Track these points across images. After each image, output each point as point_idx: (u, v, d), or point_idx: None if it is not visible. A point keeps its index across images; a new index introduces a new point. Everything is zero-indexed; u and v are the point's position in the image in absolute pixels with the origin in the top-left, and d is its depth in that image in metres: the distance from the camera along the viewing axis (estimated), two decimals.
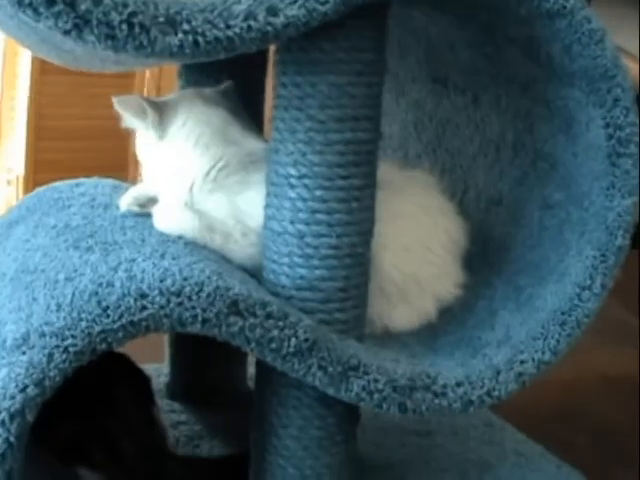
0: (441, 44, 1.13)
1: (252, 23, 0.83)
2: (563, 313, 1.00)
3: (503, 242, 1.11)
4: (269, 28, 0.83)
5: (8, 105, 2.68)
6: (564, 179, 1.04)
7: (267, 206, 0.96)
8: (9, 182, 2.72)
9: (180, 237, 0.99)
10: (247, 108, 1.12)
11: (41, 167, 2.47)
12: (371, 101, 0.94)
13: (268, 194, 0.96)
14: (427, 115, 1.23)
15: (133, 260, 0.90)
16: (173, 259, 0.90)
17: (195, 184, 1.02)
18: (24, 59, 2.62)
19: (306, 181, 0.93)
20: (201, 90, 1.08)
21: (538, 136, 1.07)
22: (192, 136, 1.02)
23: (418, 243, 1.05)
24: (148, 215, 1.04)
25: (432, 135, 1.23)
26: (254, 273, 0.99)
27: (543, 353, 1.00)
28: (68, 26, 0.79)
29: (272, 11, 0.83)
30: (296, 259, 0.94)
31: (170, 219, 1.01)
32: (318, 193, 0.93)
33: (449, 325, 1.06)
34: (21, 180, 2.62)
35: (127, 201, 1.07)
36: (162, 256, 0.91)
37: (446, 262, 1.08)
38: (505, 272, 1.09)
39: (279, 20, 0.83)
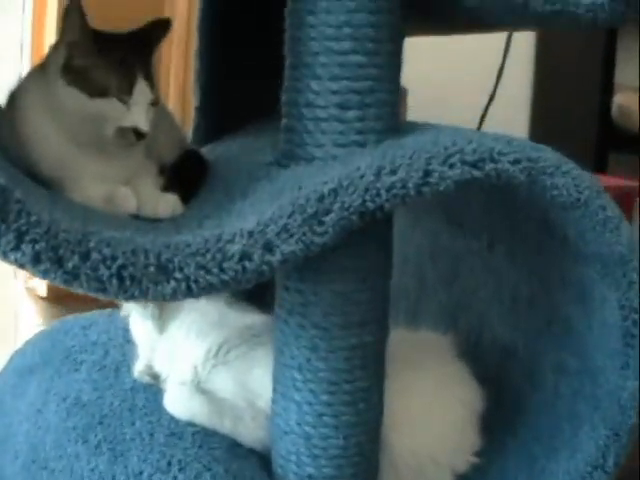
0: (456, 198, 1.09)
1: (247, 264, 0.81)
2: None
3: (518, 399, 1.08)
4: (264, 267, 0.81)
5: None
6: (579, 348, 1.01)
7: (274, 402, 0.96)
8: None
9: (189, 424, 0.99)
10: None
11: None
12: (376, 304, 0.92)
13: (274, 391, 0.95)
14: (443, 247, 1.20)
15: (140, 474, 0.90)
16: (180, 471, 0.90)
17: (198, 366, 1.02)
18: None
19: (311, 386, 0.92)
20: None
21: (553, 299, 1.04)
22: (191, 331, 1.03)
23: (433, 420, 1.02)
24: (159, 389, 1.04)
25: (448, 267, 1.20)
26: (265, 454, 0.99)
27: None
28: (57, 281, 0.78)
29: (268, 247, 0.81)
30: (303, 458, 0.94)
31: (180, 405, 1.00)
32: (324, 397, 0.92)
33: None
34: None
35: (139, 369, 1.08)
36: (168, 466, 0.91)
37: (463, 433, 1.04)
38: (520, 435, 1.06)
39: (275, 257, 0.81)
